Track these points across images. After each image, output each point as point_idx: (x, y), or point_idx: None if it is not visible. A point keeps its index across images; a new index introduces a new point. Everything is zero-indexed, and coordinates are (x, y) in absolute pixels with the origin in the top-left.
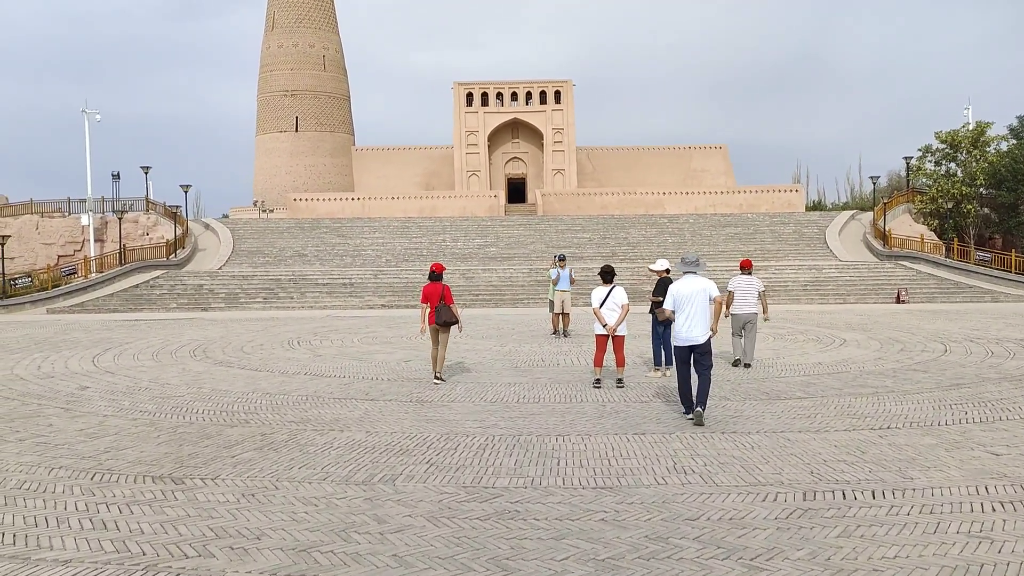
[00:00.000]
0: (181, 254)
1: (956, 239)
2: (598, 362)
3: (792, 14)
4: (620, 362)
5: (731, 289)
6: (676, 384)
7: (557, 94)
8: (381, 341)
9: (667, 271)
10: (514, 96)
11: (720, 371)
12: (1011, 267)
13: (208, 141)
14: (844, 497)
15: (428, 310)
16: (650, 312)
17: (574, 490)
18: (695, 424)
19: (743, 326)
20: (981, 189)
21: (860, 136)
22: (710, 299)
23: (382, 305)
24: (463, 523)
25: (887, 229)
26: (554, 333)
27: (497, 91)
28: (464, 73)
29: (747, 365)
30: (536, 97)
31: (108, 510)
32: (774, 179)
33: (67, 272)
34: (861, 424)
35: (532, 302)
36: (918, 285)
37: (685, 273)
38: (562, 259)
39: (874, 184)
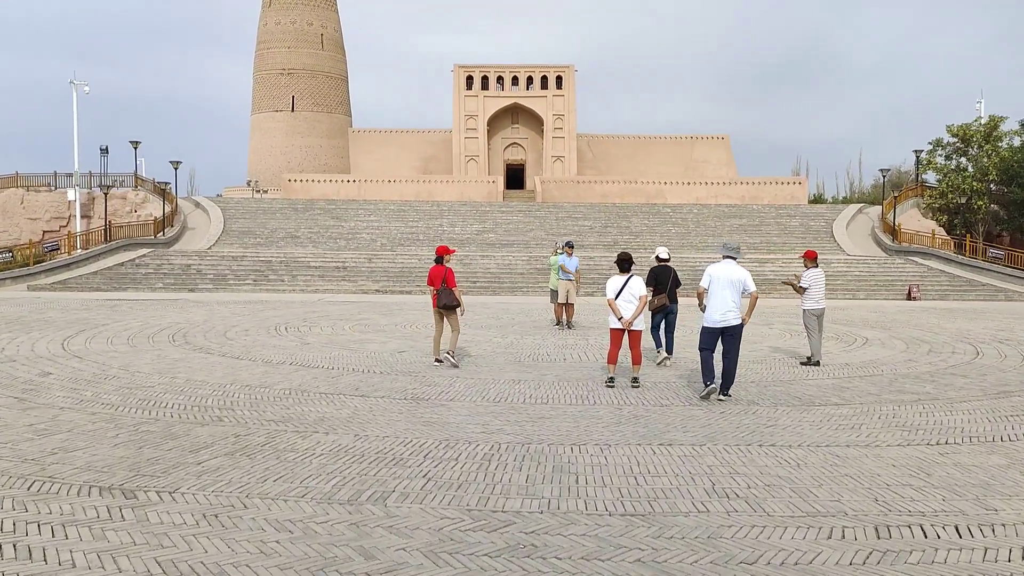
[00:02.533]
0: (169, 232)
1: (968, 235)
2: (612, 359)
3: (798, 8)
4: (636, 359)
5: (805, 285)
6: (691, 380)
7: (559, 79)
8: (374, 329)
9: (666, 260)
10: (515, 80)
11: (742, 372)
12: None
13: (203, 119)
14: (925, 535)
15: (433, 292)
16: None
17: (599, 517)
18: (715, 397)
19: (818, 320)
20: (992, 185)
21: (860, 131)
22: (745, 290)
23: (376, 290)
24: (469, 561)
25: (897, 224)
26: (557, 324)
27: (498, 75)
28: (465, 58)
29: (817, 363)
30: (537, 82)
31: (39, 533)
32: (774, 171)
33: (50, 248)
34: (914, 438)
35: (531, 290)
36: (930, 282)
37: (725, 257)
38: (571, 246)
39: (884, 177)
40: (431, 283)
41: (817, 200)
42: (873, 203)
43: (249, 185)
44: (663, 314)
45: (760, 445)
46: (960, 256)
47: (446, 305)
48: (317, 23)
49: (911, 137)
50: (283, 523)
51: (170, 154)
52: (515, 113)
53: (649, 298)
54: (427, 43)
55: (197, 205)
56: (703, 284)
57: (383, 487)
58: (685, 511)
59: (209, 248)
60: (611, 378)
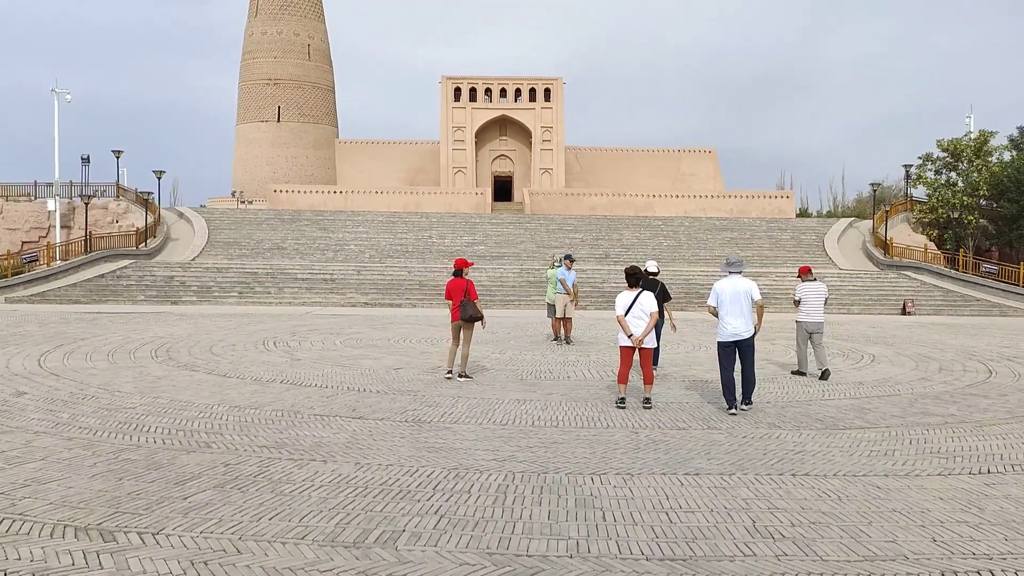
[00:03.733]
0: (152, 243)
1: (961, 250)
2: (623, 378)
3: (781, 25)
4: (648, 379)
5: (798, 297)
6: (704, 398)
7: (547, 92)
8: (367, 344)
9: (655, 273)
10: (503, 92)
11: (759, 392)
12: (1019, 280)
13: (187, 129)
14: None
15: (453, 305)
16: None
17: (636, 563)
18: (740, 408)
19: (811, 335)
20: (982, 200)
21: (843, 147)
22: (752, 300)
23: (365, 303)
24: None
25: (889, 238)
26: (555, 339)
27: (486, 86)
28: (451, 69)
29: (826, 372)
30: (525, 94)
31: None
32: (759, 185)
33: (28, 259)
34: (954, 466)
35: (524, 304)
36: (924, 297)
37: (731, 273)
38: (570, 259)
39: (875, 191)
40: (449, 296)
41: (802, 214)
42: (858, 217)
43: (234, 196)
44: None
45: (793, 474)
46: (953, 271)
47: (471, 317)
48: (304, 33)
49: (893, 152)
50: (282, 572)
51: (153, 164)
52: (503, 125)
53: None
54: (414, 54)
55: (180, 215)
56: (711, 303)
57: (392, 526)
58: (730, 554)
59: (193, 259)
60: (622, 398)
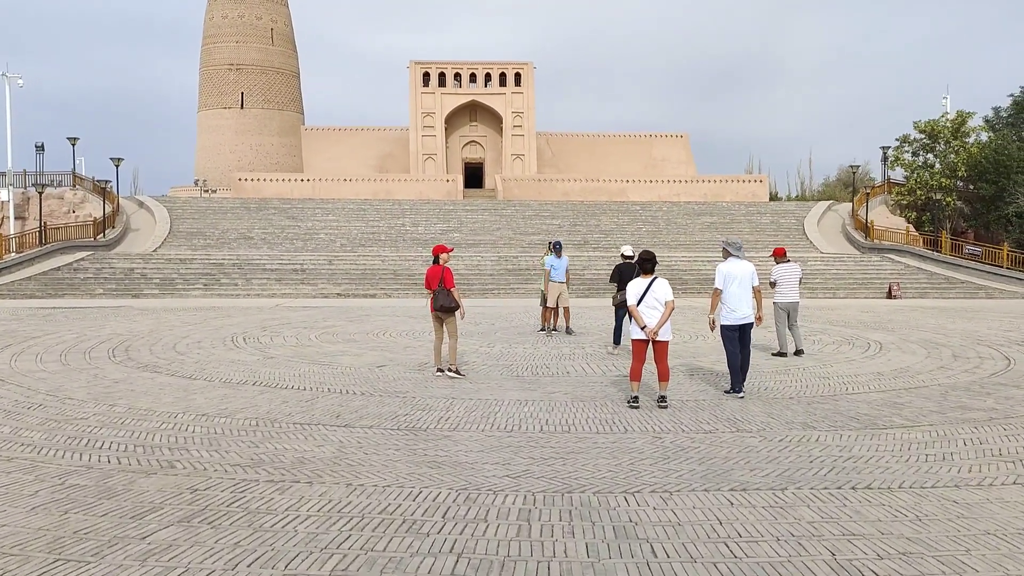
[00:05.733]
0: (110, 234)
1: (944, 232)
2: (635, 375)
3: (750, 10)
4: (663, 375)
5: (774, 279)
6: (719, 392)
7: (517, 76)
8: (344, 339)
9: (630, 257)
10: (472, 78)
11: (777, 385)
12: (1003, 262)
13: (147, 117)
14: None
15: (431, 295)
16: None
17: None
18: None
19: (788, 315)
20: (959, 181)
21: (810, 132)
22: (753, 285)
23: (338, 294)
24: None
25: (870, 221)
26: (542, 330)
27: (455, 71)
28: (419, 55)
29: (799, 351)
30: (496, 79)
31: None
32: (729, 170)
33: None
34: None
35: (504, 293)
36: (908, 280)
37: (733, 256)
38: (558, 247)
39: (854, 173)
40: (428, 285)
41: (772, 199)
42: (828, 200)
43: (197, 185)
44: (625, 309)
45: (853, 488)
46: (937, 253)
47: (443, 307)
48: (267, 17)
49: (861, 137)
50: None
51: (112, 154)
52: (473, 111)
53: (616, 294)
54: (381, 41)
55: (141, 205)
56: (718, 284)
57: (401, 572)
58: None
59: (155, 250)
60: (635, 397)
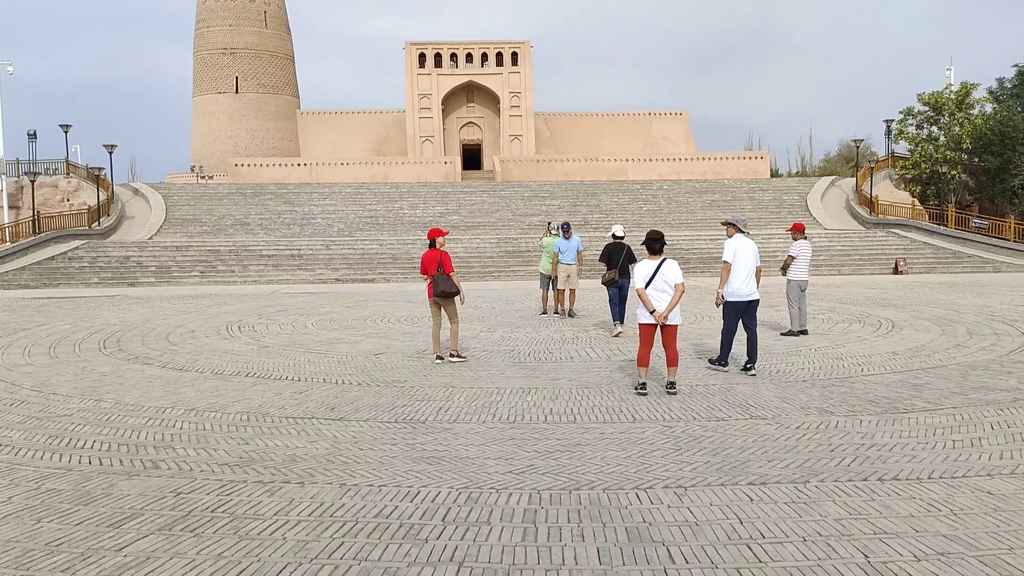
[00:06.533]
0: (105, 222)
1: (950, 206)
2: (643, 360)
3: None
4: (672, 360)
5: (796, 254)
6: (729, 379)
7: (514, 56)
8: (341, 325)
9: (620, 238)
10: (469, 58)
11: (788, 367)
12: (1010, 235)
13: (142, 104)
14: None
15: (428, 280)
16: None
17: None
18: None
19: (802, 292)
20: (964, 154)
21: (810, 108)
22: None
23: (336, 279)
24: None
25: (874, 195)
26: (543, 313)
27: (451, 52)
28: (415, 37)
29: (797, 333)
30: (492, 59)
31: None
32: (728, 147)
33: None
34: None
35: (504, 275)
36: (915, 255)
37: (740, 233)
38: (567, 228)
39: (857, 147)
40: (424, 271)
41: (773, 175)
42: (831, 175)
43: (193, 171)
44: (616, 287)
45: (880, 480)
46: (943, 228)
47: (444, 292)
48: (259, 0)
49: (861, 113)
50: None
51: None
52: (470, 91)
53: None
54: (376, 23)
55: (136, 192)
56: (727, 258)
57: None
58: None
59: (150, 238)
60: (642, 383)
